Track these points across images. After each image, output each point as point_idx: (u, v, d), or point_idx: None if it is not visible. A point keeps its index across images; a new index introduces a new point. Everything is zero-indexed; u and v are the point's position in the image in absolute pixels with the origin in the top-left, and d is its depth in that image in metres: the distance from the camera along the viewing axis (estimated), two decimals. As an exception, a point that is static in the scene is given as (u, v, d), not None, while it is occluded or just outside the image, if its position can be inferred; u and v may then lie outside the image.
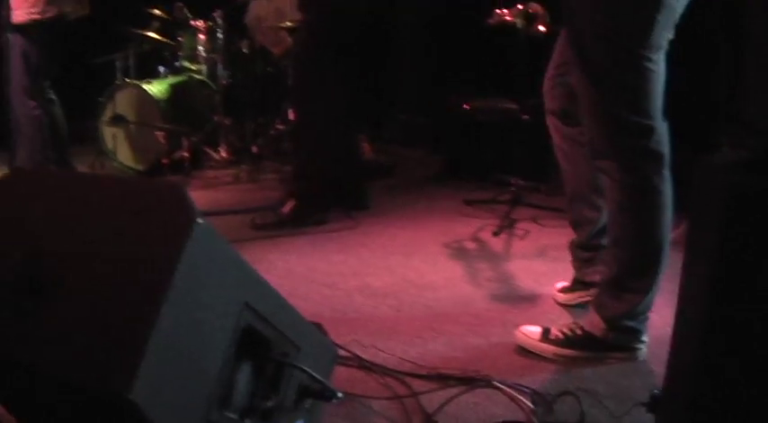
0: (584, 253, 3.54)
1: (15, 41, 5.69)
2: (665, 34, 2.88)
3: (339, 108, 5.31)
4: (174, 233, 1.81)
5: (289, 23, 6.98)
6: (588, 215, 3.48)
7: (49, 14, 5.82)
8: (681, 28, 2.92)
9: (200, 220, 1.81)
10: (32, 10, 5.75)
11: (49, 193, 2.21)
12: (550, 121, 3.47)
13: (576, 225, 3.57)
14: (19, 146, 5.71)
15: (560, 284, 3.74)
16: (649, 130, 2.88)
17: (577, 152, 3.34)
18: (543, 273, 4.14)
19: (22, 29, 5.66)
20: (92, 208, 2.06)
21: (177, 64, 7.65)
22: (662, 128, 2.91)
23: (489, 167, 6.15)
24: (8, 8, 5.38)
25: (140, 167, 7.07)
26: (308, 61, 5.23)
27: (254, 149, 7.22)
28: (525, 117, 5.57)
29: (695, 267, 1.71)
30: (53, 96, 6.06)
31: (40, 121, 5.95)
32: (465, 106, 6.39)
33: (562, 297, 3.68)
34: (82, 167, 7.20)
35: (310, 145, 5.25)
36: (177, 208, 1.85)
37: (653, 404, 2.10)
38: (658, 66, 2.88)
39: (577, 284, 3.62)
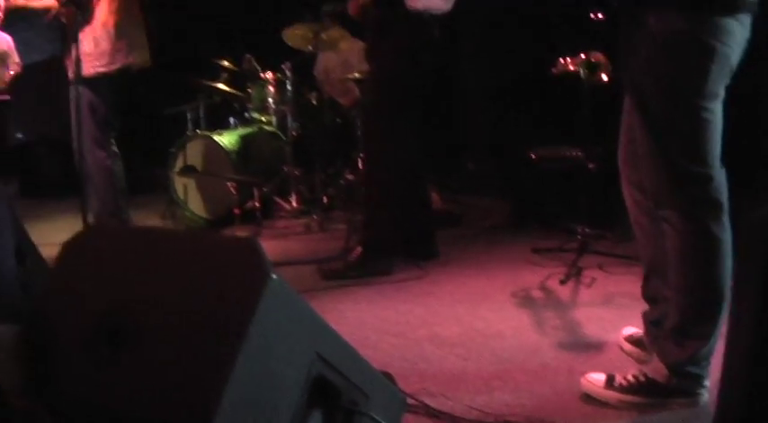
0: (655, 329, 3.49)
1: (83, 94, 5.92)
2: (721, 83, 2.96)
3: (408, 158, 5.43)
4: (248, 287, 1.92)
5: (356, 75, 7.16)
6: (664, 293, 3.43)
7: (114, 67, 6.09)
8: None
9: (273, 276, 1.94)
10: (97, 63, 6.00)
11: (125, 247, 2.33)
12: (627, 192, 3.43)
13: (651, 301, 3.54)
14: (91, 195, 5.90)
15: (626, 331, 3.79)
16: (708, 179, 2.96)
17: (655, 228, 3.30)
18: (609, 320, 4.20)
19: (88, 82, 5.88)
20: (168, 262, 2.17)
21: (247, 115, 7.90)
22: (720, 176, 2.99)
23: (556, 215, 6.24)
24: (76, 61, 5.60)
25: (211, 217, 7.26)
26: (376, 112, 5.40)
27: (324, 199, 7.38)
28: (591, 165, 5.64)
29: (740, 315, 1.81)
30: (115, 148, 6.29)
31: (110, 171, 6.16)
32: (531, 155, 6.49)
33: (628, 347, 3.72)
34: (153, 216, 7.46)
35: (379, 194, 5.36)
36: (252, 263, 1.96)
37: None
38: (715, 114, 2.95)
39: (647, 350, 3.62)
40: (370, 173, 5.54)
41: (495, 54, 8.25)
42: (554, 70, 5.55)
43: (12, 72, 9.09)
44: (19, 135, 11.04)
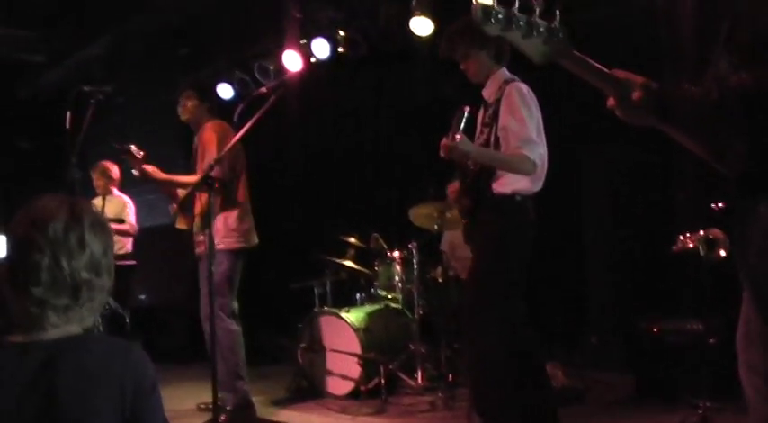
0: None
1: (222, 264, 6.74)
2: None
3: (514, 341, 5.49)
4: None
5: (481, 252, 7.59)
6: None
7: (247, 245, 7.07)
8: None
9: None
10: (232, 240, 6.96)
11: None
12: (742, 371, 3.77)
13: None
14: (219, 361, 6.48)
15: None
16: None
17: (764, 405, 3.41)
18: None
19: (223, 255, 6.74)
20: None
21: (374, 292, 8.41)
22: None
23: (678, 389, 6.49)
24: (210, 237, 6.30)
25: (337, 393, 7.71)
26: (474, 300, 5.63)
27: (450, 377, 7.66)
28: (711, 340, 5.91)
29: None
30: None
31: (237, 338, 6.95)
32: (653, 328, 6.82)
33: None
34: (278, 388, 8.00)
35: (489, 380, 5.50)
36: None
37: None
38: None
39: None
40: (476, 361, 5.66)
41: (617, 230, 8.61)
42: (674, 248, 5.89)
43: (129, 239, 9.67)
44: (142, 296, 11.69)
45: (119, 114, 12.20)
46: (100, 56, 12.69)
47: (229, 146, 6.41)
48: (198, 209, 6.90)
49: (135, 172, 6.93)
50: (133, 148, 6.90)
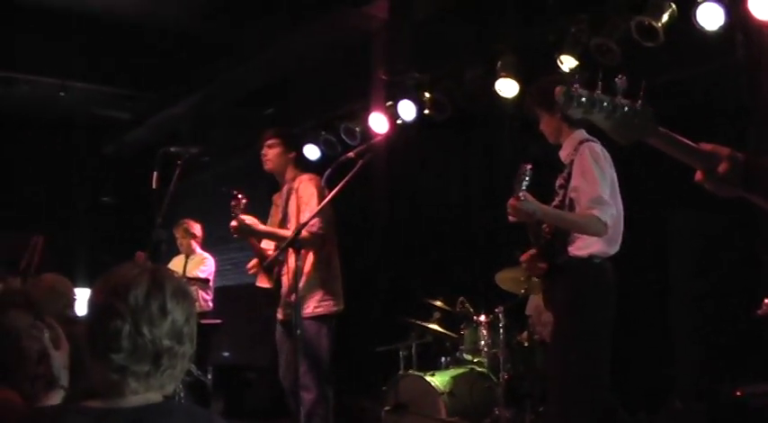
0: None
1: (322, 330, 7.07)
2: None
3: (603, 406, 5.65)
4: None
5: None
6: None
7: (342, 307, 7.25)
8: None
9: None
10: (340, 301, 7.20)
11: None
12: None
13: None
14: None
15: None
16: None
17: None
18: None
19: (321, 320, 7.08)
20: None
21: (459, 355, 8.64)
22: None
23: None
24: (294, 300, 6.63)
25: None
26: (554, 368, 5.83)
27: None
28: None
29: None
30: None
31: (331, 405, 7.19)
32: (737, 392, 7.03)
33: None
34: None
35: None
36: None
37: None
38: None
39: None
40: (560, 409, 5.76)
41: (702, 293, 8.78)
42: (759, 311, 6.14)
43: (209, 297, 10.14)
44: (225, 354, 12.05)
45: (203, 173, 12.70)
46: (185, 115, 13.20)
47: (319, 208, 6.62)
48: (287, 269, 6.96)
49: (234, 222, 6.91)
50: (240, 195, 6.93)
